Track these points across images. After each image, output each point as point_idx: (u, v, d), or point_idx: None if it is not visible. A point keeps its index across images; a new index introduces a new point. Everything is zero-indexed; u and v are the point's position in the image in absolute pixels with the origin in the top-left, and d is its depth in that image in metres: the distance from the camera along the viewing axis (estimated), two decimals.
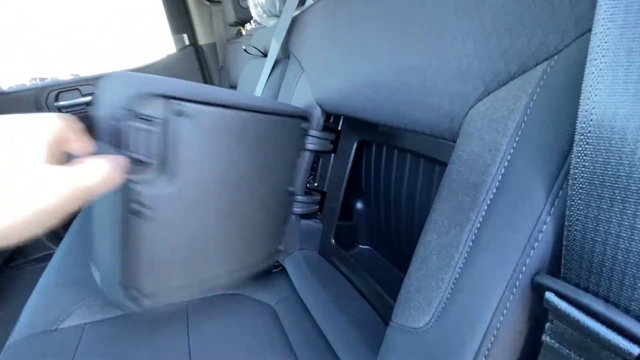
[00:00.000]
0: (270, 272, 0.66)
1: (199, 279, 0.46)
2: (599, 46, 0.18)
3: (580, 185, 0.20)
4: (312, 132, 0.59)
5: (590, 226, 0.20)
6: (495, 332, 0.25)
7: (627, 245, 0.18)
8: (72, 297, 0.59)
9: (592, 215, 0.20)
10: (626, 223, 0.18)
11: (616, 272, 0.19)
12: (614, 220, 0.19)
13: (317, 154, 0.63)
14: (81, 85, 1.46)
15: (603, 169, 0.19)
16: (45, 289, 0.63)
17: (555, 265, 0.23)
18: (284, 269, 0.64)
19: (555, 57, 0.24)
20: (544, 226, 0.23)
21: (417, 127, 0.37)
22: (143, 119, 0.33)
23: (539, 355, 0.23)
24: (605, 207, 0.19)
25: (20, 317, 0.58)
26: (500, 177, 0.25)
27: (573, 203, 0.20)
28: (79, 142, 0.25)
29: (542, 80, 0.24)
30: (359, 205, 0.73)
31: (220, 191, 0.42)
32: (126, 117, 0.32)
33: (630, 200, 0.18)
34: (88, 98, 1.45)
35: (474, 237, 0.27)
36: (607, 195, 0.19)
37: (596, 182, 0.19)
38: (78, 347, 0.49)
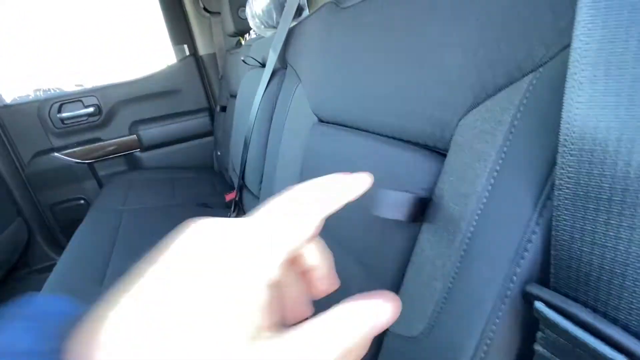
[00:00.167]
0: None
1: None
2: (578, 60, 0.19)
3: (566, 196, 0.20)
4: None
5: (577, 236, 0.20)
6: (489, 341, 0.25)
7: (613, 255, 0.19)
8: None
9: (578, 226, 0.20)
10: (611, 233, 0.19)
11: (603, 282, 0.19)
12: (599, 231, 0.19)
13: None
14: (84, 96, 1.48)
15: (587, 180, 0.19)
16: None
17: (545, 274, 0.23)
18: None
19: (541, 69, 0.24)
20: (533, 236, 0.23)
21: (410, 138, 0.38)
22: None
23: None
24: (590, 217, 0.19)
25: None
26: (489, 187, 0.26)
27: (559, 213, 0.21)
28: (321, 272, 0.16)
29: (528, 92, 0.25)
30: None
31: None
32: None
33: (613, 211, 0.18)
34: (90, 109, 1.47)
35: (465, 246, 0.27)
36: (591, 206, 0.19)
37: (580, 193, 0.19)
38: None
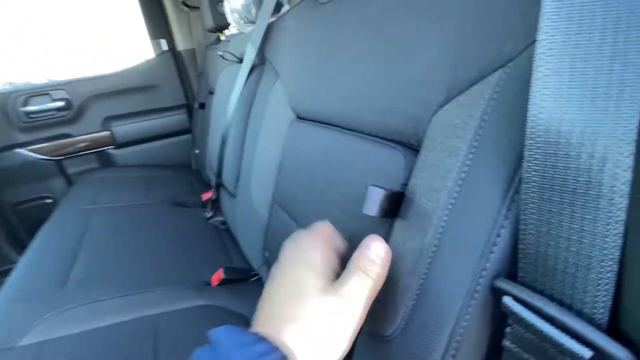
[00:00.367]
0: (245, 281, 0.65)
1: None
2: (544, 53, 0.19)
3: (532, 189, 0.20)
4: None
5: (543, 230, 0.20)
6: (459, 338, 0.25)
7: (577, 248, 0.19)
8: (31, 313, 0.56)
9: (544, 219, 0.20)
10: (575, 226, 0.19)
11: (568, 275, 0.19)
12: (564, 224, 0.19)
13: None
14: (52, 90, 1.40)
15: (552, 172, 0.19)
16: (1, 305, 0.59)
17: (514, 268, 0.23)
18: (259, 278, 0.63)
19: (510, 64, 0.24)
20: (502, 230, 0.23)
21: (387, 135, 0.38)
22: None
23: None
24: (555, 210, 0.19)
25: None
26: (460, 182, 0.26)
27: (526, 207, 0.21)
28: (339, 240, 0.30)
29: (498, 87, 0.25)
30: None
31: None
32: None
33: (577, 203, 0.18)
34: (60, 103, 1.39)
35: (437, 242, 0.27)
36: (556, 199, 0.19)
37: (546, 186, 0.19)
38: None
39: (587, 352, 0.18)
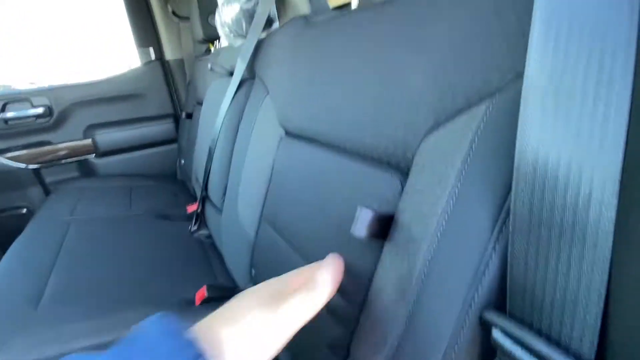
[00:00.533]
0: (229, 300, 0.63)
1: None
2: (529, 88, 0.19)
3: (520, 222, 0.20)
4: None
5: (531, 263, 0.20)
6: None
7: (564, 283, 0.19)
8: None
9: (532, 252, 0.20)
10: (563, 261, 0.19)
11: (556, 310, 0.19)
12: (552, 258, 0.19)
13: None
14: (33, 96, 1.36)
15: (539, 206, 0.19)
16: None
17: (502, 300, 0.23)
18: None
19: (497, 94, 0.25)
20: (490, 261, 0.23)
21: (375, 155, 0.38)
22: None
23: None
24: (543, 244, 0.19)
25: None
26: (449, 210, 0.26)
27: (515, 239, 0.21)
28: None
29: (485, 117, 0.25)
30: None
31: None
32: None
33: (564, 238, 0.18)
34: (40, 110, 1.35)
35: (426, 269, 0.26)
36: (544, 234, 0.19)
37: (534, 220, 0.19)
38: None
39: None
